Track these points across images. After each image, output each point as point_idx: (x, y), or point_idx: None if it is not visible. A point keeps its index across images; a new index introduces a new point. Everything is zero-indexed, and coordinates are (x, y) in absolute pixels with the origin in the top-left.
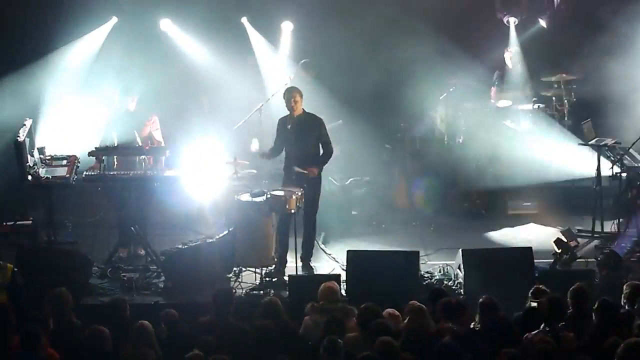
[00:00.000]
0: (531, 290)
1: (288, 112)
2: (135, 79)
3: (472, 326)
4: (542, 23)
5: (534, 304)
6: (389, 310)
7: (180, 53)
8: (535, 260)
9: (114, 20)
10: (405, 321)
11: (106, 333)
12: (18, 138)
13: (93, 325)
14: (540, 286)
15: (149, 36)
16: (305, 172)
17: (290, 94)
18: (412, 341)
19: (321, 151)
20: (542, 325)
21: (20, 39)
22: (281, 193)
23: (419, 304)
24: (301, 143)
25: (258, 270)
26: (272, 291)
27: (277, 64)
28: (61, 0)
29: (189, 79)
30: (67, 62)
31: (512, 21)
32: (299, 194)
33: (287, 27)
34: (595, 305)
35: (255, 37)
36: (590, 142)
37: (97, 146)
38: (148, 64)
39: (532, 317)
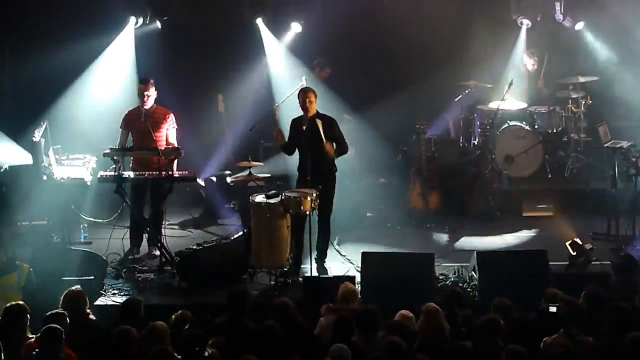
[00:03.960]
0: (546, 294)
1: (301, 113)
2: (151, 77)
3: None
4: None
5: (553, 309)
6: (403, 311)
7: (196, 52)
8: (550, 263)
9: (133, 20)
10: (420, 322)
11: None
12: (33, 138)
13: (118, 325)
14: (555, 289)
15: (164, 35)
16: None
17: (305, 95)
18: (428, 342)
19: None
20: (561, 330)
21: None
22: (296, 194)
23: (434, 305)
24: (316, 143)
25: (273, 272)
26: (285, 292)
27: (288, 64)
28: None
29: (203, 78)
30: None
31: (525, 23)
32: (314, 195)
33: (295, 28)
34: (609, 311)
35: (268, 38)
36: (605, 144)
37: (112, 147)
38: (164, 62)
39: (548, 321)
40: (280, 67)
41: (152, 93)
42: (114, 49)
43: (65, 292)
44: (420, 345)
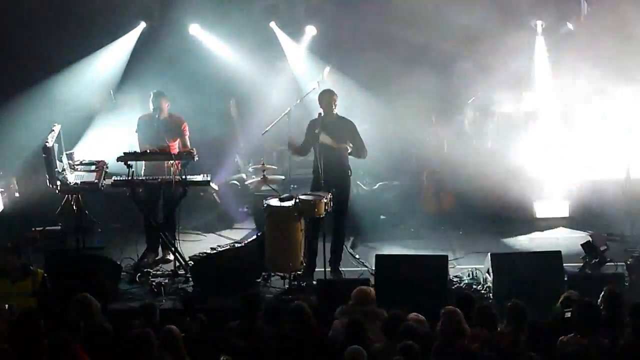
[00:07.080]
0: (562, 298)
1: (318, 115)
2: (165, 83)
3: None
4: (570, 26)
5: (568, 314)
6: (413, 315)
7: (209, 57)
8: (564, 264)
9: (143, 25)
10: (440, 324)
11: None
12: (47, 143)
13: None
14: (572, 292)
15: (177, 41)
16: (331, 142)
17: (331, 97)
18: (446, 346)
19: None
20: (575, 332)
21: (50, 46)
22: (310, 197)
23: (454, 308)
24: (329, 147)
25: (287, 275)
26: (301, 296)
27: (308, 67)
28: (90, 8)
29: (217, 83)
30: (98, 69)
31: (540, 24)
32: (328, 198)
33: (310, 31)
34: (629, 310)
35: (285, 41)
36: None
37: (126, 151)
38: (176, 69)
39: (563, 323)
40: (297, 69)
41: (165, 105)
42: (118, 52)
43: (74, 297)
44: (440, 348)
